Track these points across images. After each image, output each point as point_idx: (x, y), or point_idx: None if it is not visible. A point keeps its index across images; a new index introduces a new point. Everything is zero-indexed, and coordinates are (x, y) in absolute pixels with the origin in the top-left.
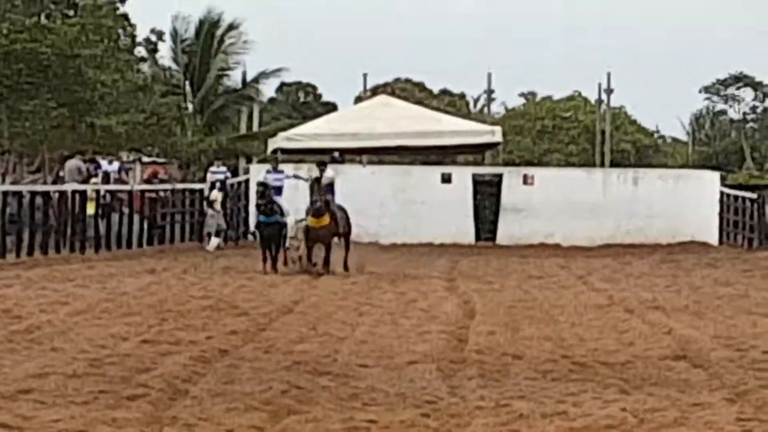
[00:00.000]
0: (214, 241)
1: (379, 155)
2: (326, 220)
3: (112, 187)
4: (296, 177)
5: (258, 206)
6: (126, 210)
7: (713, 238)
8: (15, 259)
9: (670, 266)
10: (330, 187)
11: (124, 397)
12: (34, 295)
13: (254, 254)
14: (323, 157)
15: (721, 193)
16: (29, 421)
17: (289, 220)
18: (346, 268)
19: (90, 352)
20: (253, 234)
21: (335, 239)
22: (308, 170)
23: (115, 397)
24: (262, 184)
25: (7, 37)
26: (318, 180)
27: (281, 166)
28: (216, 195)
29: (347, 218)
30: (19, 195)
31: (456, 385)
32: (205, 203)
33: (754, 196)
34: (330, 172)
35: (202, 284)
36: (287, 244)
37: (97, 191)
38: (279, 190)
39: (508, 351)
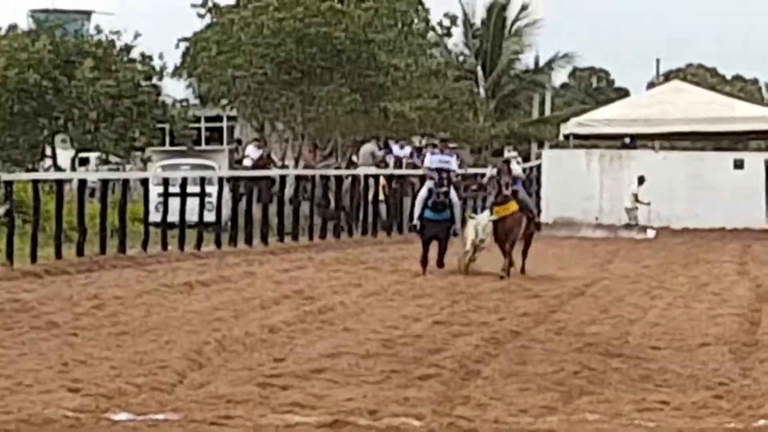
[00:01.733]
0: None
1: (671, 141)
2: (514, 206)
3: (403, 171)
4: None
5: (430, 196)
6: None
7: None
8: (308, 242)
9: None
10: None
11: (416, 377)
12: (327, 277)
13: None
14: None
15: None
16: (322, 400)
17: (480, 218)
18: (522, 270)
19: (382, 333)
20: (414, 227)
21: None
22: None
23: (407, 377)
24: (444, 170)
25: (301, 21)
26: (497, 179)
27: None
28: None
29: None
30: (312, 179)
31: (748, 368)
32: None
33: None
34: (517, 168)
35: None
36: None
37: (389, 175)
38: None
39: None
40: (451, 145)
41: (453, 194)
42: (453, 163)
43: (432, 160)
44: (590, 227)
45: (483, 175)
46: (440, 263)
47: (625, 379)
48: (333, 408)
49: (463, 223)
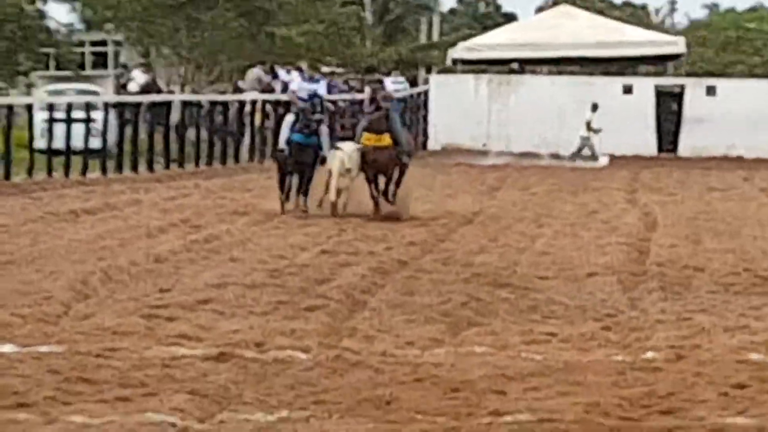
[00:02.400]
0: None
1: (560, 66)
2: (387, 139)
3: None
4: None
5: (297, 121)
6: None
7: None
8: (194, 169)
9: None
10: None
11: (303, 308)
12: (213, 204)
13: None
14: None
15: None
16: (208, 332)
17: (345, 147)
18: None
19: (269, 263)
20: (281, 151)
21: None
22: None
23: (294, 308)
24: (315, 96)
25: None
26: (373, 97)
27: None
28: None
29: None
30: (197, 105)
31: (637, 298)
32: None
33: None
34: (391, 86)
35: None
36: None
37: (273, 101)
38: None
39: (690, 264)
40: (325, 69)
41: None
42: (322, 89)
43: (300, 86)
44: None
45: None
46: (305, 192)
47: (512, 310)
48: (219, 340)
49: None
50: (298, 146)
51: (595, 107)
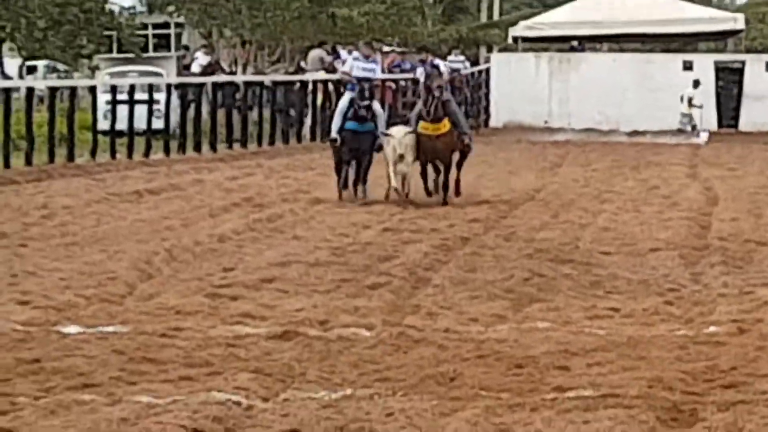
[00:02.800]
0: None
1: (620, 43)
2: (446, 125)
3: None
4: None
5: (351, 107)
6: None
7: None
8: (257, 149)
9: None
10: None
11: (366, 286)
12: (276, 184)
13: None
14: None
15: None
16: (272, 310)
17: (395, 133)
18: (457, 193)
19: (332, 241)
20: (335, 141)
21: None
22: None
23: (357, 285)
24: (365, 79)
25: None
26: (427, 84)
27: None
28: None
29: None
30: (260, 85)
31: (699, 273)
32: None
33: None
34: (444, 67)
35: None
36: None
37: (337, 81)
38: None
39: (752, 237)
40: (386, 49)
41: (376, 105)
42: (377, 72)
43: (354, 66)
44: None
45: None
46: (364, 180)
47: (575, 286)
48: (283, 318)
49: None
50: (352, 134)
51: (696, 84)
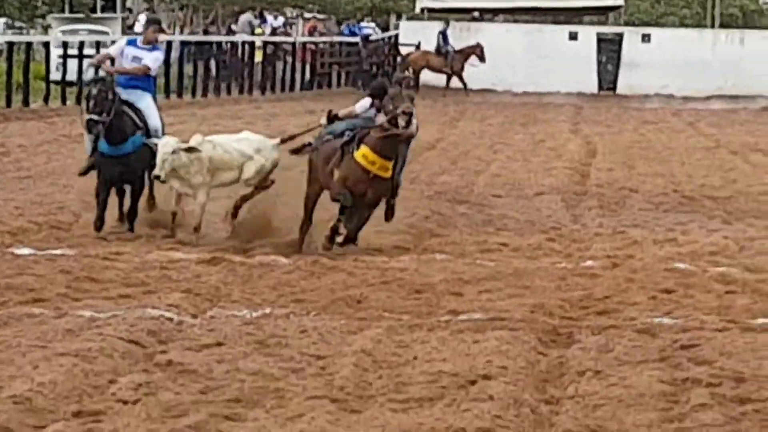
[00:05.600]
0: None
1: (515, 15)
2: (389, 170)
3: (277, 38)
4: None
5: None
6: (289, 59)
7: None
8: (191, 99)
9: (758, 113)
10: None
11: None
12: (207, 130)
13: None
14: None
15: None
16: (202, 239)
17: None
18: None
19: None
20: (89, 169)
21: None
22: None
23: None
24: (98, 80)
25: None
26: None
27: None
28: None
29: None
30: (195, 44)
31: (578, 214)
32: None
33: None
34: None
35: None
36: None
37: (264, 42)
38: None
39: (625, 185)
40: (307, 15)
41: (149, 111)
42: (153, 59)
43: (124, 51)
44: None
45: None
46: (132, 217)
47: (469, 224)
48: (211, 246)
49: None
50: (104, 159)
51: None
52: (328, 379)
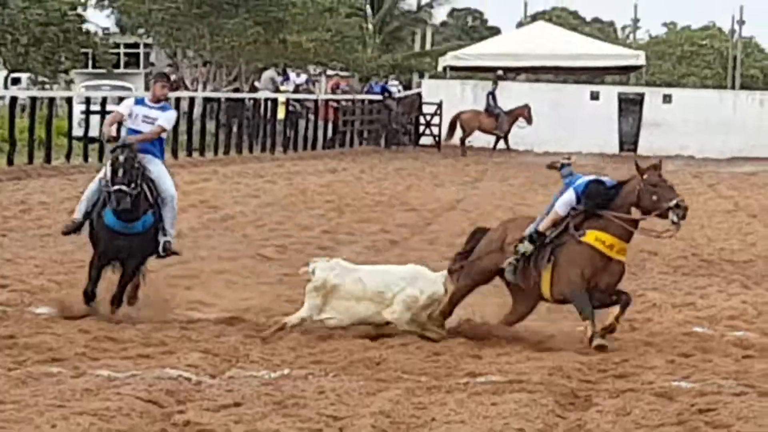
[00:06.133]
0: None
1: (537, 74)
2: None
3: (300, 96)
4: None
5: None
6: (312, 117)
7: None
8: (213, 157)
9: None
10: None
11: (306, 280)
12: (229, 188)
13: (423, 156)
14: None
15: None
16: (221, 299)
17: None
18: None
19: (276, 240)
20: (77, 227)
21: None
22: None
23: (297, 279)
24: (125, 146)
25: None
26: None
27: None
28: None
29: None
30: (218, 101)
31: None
32: None
33: None
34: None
35: (376, 183)
36: None
37: (287, 99)
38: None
39: (645, 248)
40: (330, 72)
41: (163, 181)
42: (167, 120)
43: (133, 111)
44: None
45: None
46: (119, 300)
47: (488, 286)
48: (230, 306)
49: None
50: (110, 233)
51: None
52: None
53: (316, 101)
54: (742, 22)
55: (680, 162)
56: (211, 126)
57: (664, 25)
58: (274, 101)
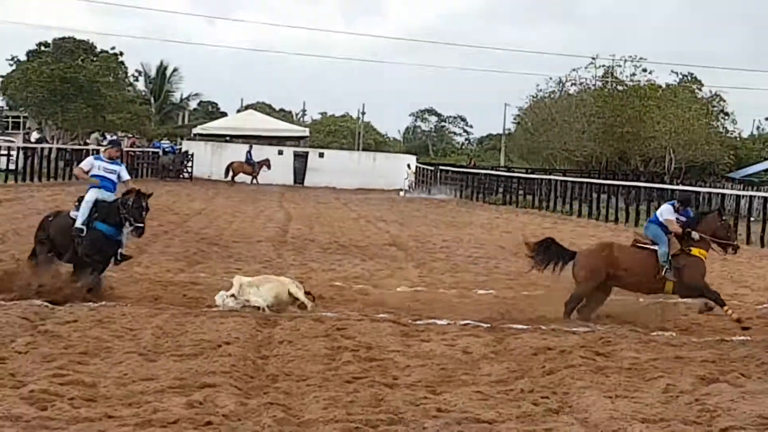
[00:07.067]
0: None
1: (248, 140)
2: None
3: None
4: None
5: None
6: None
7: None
8: (62, 181)
9: (382, 199)
10: None
11: None
12: (63, 200)
13: (182, 184)
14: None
15: (416, 167)
16: None
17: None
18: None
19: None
20: (80, 232)
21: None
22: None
23: None
24: (148, 196)
25: (63, 70)
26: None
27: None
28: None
29: None
30: (65, 151)
31: (281, 253)
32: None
33: (432, 168)
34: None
35: (155, 198)
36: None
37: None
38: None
39: (308, 237)
40: (129, 136)
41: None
42: (122, 174)
43: (95, 165)
44: None
45: None
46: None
47: (220, 257)
48: None
49: None
50: (105, 238)
51: (408, 167)
52: None
53: (121, 151)
54: (363, 113)
55: (328, 191)
56: (61, 164)
57: (320, 113)
58: (97, 150)
